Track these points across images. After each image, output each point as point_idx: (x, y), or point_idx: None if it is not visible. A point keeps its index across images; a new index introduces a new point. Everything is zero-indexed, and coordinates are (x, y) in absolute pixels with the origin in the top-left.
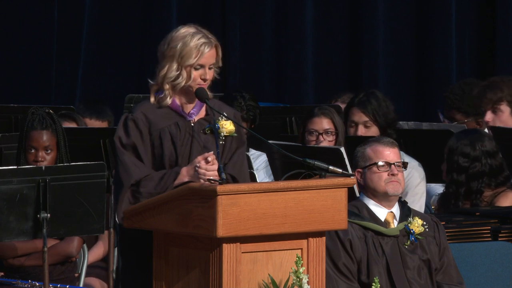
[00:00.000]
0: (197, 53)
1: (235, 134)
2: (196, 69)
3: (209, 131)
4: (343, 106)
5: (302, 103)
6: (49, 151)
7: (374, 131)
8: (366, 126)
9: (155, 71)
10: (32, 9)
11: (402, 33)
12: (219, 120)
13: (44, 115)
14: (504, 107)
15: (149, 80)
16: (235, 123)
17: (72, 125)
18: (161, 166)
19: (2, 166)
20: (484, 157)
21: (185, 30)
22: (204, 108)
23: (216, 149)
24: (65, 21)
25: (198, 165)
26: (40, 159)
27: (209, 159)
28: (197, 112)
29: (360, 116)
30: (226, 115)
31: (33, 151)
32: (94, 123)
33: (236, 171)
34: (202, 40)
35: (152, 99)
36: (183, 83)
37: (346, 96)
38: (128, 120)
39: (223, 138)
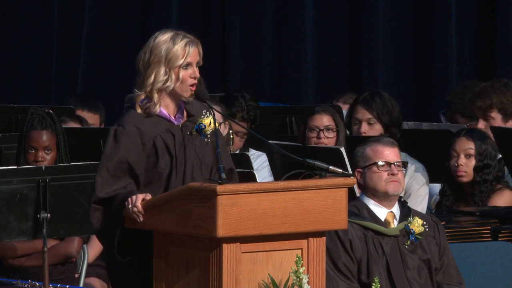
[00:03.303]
0: (183, 52)
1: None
2: (184, 68)
3: (195, 132)
4: (343, 106)
5: (302, 103)
6: (49, 151)
7: (377, 129)
8: (369, 124)
9: (137, 83)
10: (32, 9)
11: (402, 33)
12: (202, 118)
13: (44, 115)
14: (495, 114)
15: (136, 90)
16: (228, 118)
17: (77, 125)
18: (156, 174)
19: (2, 166)
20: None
21: (163, 35)
22: (185, 110)
23: (205, 149)
24: (65, 21)
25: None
26: (40, 159)
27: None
28: (182, 116)
29: (363, 113)
30: (209, 113)
31: (32, 151)
32: (86, 115)
33: (229, 163)
34: (185, 40)
35: (138, 110)
36: (172, 86)
37: (347, 96)
38: (119, 133)
39: (209, 136)
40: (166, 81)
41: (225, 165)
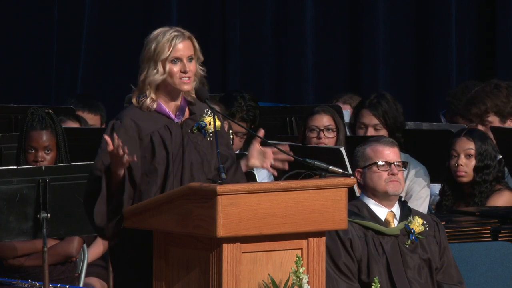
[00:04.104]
0: (169, 46)
1: (219, 129)
2: (173, 62)
3: (196, 130)
4: (343, 106)
5: (302, 103)
6: (48, 151)
7: (383, 134)
8: (375, 129)
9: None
10: (32, 9)
11: (402, 33)
12: (204, 117)
13: (43, 115)
14: (492, 118)
15: (132, 86)
16: (228, 118)
17: (76, 125)
18: (153, 170)
19: (2, 166)
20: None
21: (157, 31)
22: (187, 108)
23: (207, 147)
24: (65, 21)
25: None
26: (39, 159)
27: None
28: (182, 113)
29: (370, 119)
30: (212, 112)
31: (32, 151)
32: (86, 115)
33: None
34: (174, 33)
35: (135, 103)
36: (160, 78)
37: (347, 96)
38: (116, 127)
39: (211, 134)
40: (154, 74)
41: (229, 154)
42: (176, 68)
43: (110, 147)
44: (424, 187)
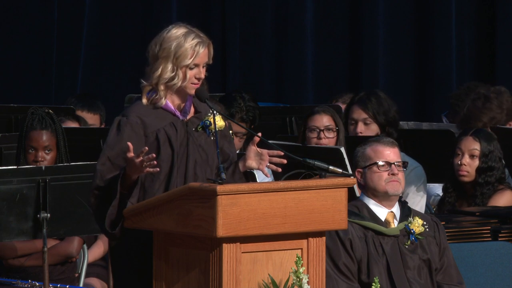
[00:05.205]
0: (192, 53)
1: (222, 129)
2: (191, 68)
3: (200, 129)
4: (343, 106)
5: (302, 103)
6: (48, 151)
7: (373, 129)
8: (365, 124)
9: (145, 72)
10: (32, 9)
11: (402, 33)
12: (209, 116)
13: (43, 115)
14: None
15: (142, 80)
16: (228, 118)
17: (75, 125)
18: (158, 167)
19: (2, 166)
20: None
21: (176, 30)
22: (193, 106)
23: (210, 146)
24: (65, 21)
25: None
26: (39, 159)
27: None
28: (188, 111)
29: (359, 114)
30: (215, 112)
31: (32, 151)
32: (86, 115)
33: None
34: (196, 39)
35: (144, 100)
36: (179, 84)
37: (347, 96)
38: (122, 123)
39: (214, 133)
40: (173, 78)
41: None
42: (191, 73)
43: (131, 154)
44: (420, 185)
